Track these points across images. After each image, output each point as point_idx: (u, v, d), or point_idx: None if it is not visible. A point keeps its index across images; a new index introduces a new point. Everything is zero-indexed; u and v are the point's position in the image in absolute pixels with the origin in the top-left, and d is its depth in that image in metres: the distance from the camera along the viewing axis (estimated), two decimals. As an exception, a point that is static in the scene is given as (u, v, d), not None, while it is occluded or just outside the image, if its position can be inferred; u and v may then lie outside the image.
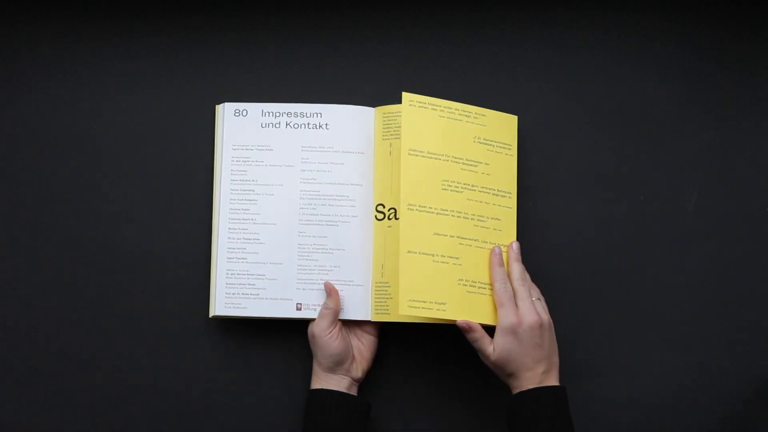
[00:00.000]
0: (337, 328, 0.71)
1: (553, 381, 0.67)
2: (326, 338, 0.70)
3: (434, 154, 0.71)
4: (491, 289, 0.70)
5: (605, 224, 0.79)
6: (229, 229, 0.74)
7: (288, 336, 0.77)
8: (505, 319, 0.67)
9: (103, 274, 0.77)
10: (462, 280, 0.70)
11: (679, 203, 0.79)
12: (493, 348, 0.67)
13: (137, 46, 0.78)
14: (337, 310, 0.71)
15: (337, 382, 0.70)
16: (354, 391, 0.71)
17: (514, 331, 0.66)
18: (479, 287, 0.71)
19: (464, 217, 0.71)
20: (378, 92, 0.77)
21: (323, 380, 0.70)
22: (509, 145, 0.75)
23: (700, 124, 0.80)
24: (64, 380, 0.77)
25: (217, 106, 0.76)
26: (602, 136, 0.79)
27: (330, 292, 0.72)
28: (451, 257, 0.70)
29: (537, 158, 0.79)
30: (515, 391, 0.67)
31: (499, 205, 0.73)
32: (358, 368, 0.72)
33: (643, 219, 0.79)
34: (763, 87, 0.80)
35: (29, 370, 0.77)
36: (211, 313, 0.74)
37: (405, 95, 0.71)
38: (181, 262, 0.77)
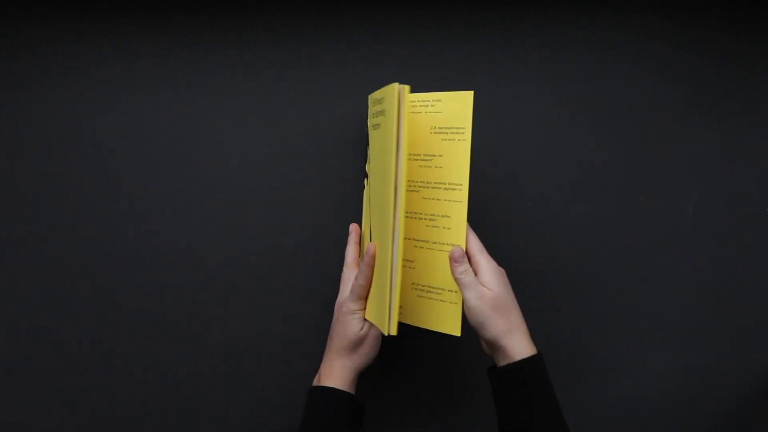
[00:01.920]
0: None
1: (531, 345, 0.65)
2: (377, 341, 0.68)
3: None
4: (441, 294, 0.67)
5: (605, 224, 0.79)
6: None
7: (290, 334, 0.77)
8: (490, 264, 0.65)
9: (101, 273, 0.77)
10: (414, 284, 0.68)
11: (679, 203, 0.79)
12: (488, 287, 0.64)
13: (137, 46, 0.78)
14: (366, 288, 0.67)
15: (349, 374, 0.68)
16: (355, 383, 0.70)
17: (502, 273, 0.65)
18: (428, 291, 0.67)
19: (418, 218, 0.67)
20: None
21: (335, 364, 0.68)
22: (462, 128, 0.66)
23: (700, 124, 0.80)
24: (65, 380, 0.77)
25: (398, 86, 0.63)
26: (602, 135, 0.79)
27: (364, 267, 0.67)
28: (406, 260, 0.68)
29: (536, 158, 0.79)
30: (506, 354, 0.64)
31: (450, 200, 0.66)
32: (371, 354, 0.70)
33: (643, 219, 0.79)
34: (763, 87, 0.80)
35: (30, 370, 0.77)
36: (392, 332, 0.64)
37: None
38: (183, 261, 0.77)
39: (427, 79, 0.78)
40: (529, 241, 0.75)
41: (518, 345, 0.64)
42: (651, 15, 0.79)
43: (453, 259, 0.65)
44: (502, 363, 0.64)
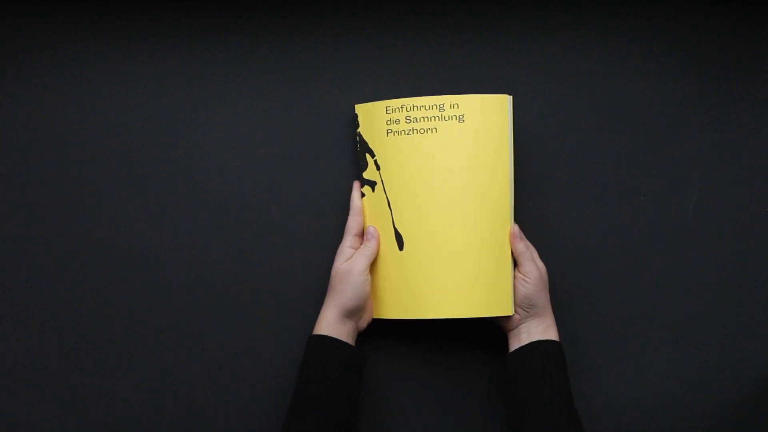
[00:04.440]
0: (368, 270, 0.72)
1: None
2: (364, 279, 0.70)
3: None
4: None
5: (605, 224, 0.79)
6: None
7: (292, 334, 0.77)
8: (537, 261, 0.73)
9: (107, 273, 0.77)
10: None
11: (679, 203, 0.79)
12: (539, 265, 0.72)
13: (139, 46, 0.78)
14: (375, 254, 0.72)
15: (346, 331, 0.70)
16: (354, 342, 0.72)
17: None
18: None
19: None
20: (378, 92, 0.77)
21: (332, 326, 0.70)
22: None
23: (700, 124, 0.80)
24: (65, 380, 0.77)
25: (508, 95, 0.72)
26: (602, 136, 0.79)
27: (375, 235, 0.72)
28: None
29: (536, 158, 0.79)
30: (531, 333, 0.70)
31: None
32: (368, 317, 0.73)
33: (643, 219, 0.79)
34: (763, 87, 0.80)
35: (30, 370, 0.77)
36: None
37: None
38: (183, 261, 0.77)
39: (427, 81, 0.78)
40: (530, 241, 0.75)
41: (552, 323, 0.72)
42: (651, 15, 0.79)
43: (516, 236, 0.71)
44: (539, 336, 0.69)
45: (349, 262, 0.71)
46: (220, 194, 0.77)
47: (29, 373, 0.77)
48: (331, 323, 0.70)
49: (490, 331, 0.78)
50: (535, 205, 0.78)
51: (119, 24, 0.77)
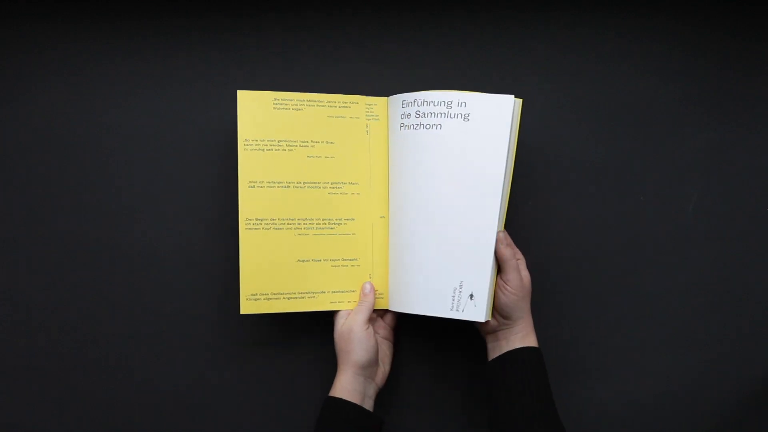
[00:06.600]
0: (370, 324, 0.72)
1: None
2: (365, 333, 0.70)
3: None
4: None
5: (605, 224, 0.79)
6: None
7: (292, 333, 0.77)
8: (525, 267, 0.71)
9: (107, 273, 0.77)
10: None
11: (679, 203, 0.79)
12: (524, 274, 0.70)
13: (139, 46, 0.78)
14: (372, 305, 0.72)
15: (363, 388, 0.70)
16: (373, 400, 0.71)
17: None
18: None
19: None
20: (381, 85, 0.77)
21: (349, 385, 0.69)
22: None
23: (700, 124, 0.80)
24: (65, 380, 0.77)
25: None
26: (602, 136, 0.79)
27: (371, 290, 0.73)
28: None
29: (536, 158, 0.79)
30: (510, 340, 0.68)
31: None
32: (383, 371, 0.73)
33: (643, 219, 0.79)
34: (763, 87, 0.80)
35: (37, 370, 0.77)
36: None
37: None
38: (190, 261, 0.77)
39: (427, 81, 0.78)
40: (529, 241, 0.75)
41: (531, 331, 0.69)
42: (651, 15, 0.79)
43: (502, 242, 0.68)
44: (518, 344, 0.68)
45: (348, 322, 0.71)
46: (220, 194, 0.77)
47: (29, 373, 0.77)
48: (345, 385, 0.69)
49: (471, 335, 0.78)
50: (535, 205, 0.78)
51: (119, 24, 0.77)
